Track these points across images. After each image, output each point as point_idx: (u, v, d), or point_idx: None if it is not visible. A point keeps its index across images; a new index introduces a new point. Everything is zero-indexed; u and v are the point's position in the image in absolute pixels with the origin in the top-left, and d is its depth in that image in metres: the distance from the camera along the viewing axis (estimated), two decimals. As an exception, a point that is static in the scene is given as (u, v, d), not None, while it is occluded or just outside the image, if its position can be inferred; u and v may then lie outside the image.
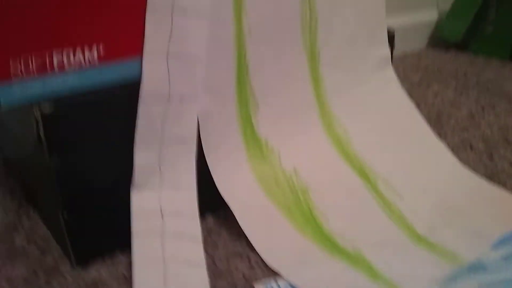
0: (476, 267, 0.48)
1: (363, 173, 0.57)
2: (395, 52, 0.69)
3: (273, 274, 0.47)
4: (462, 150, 0.70)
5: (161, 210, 0.48)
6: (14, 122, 0.51)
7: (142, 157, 0.47)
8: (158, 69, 0.46)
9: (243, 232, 0.51)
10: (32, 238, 0.52)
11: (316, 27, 0.57)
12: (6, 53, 0.40)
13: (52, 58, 0.42)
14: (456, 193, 0.56)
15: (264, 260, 0.48)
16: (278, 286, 0.46)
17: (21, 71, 0.41)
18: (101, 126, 0.45)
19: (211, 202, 0.53)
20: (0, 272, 0.48)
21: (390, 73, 0.65)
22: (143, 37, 0.46)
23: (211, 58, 0.50)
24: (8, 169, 0.64)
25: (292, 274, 0.46)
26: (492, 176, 0.63)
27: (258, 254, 0.49)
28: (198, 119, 0.50)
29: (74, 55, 0.43)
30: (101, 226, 0.48)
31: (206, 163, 0.51)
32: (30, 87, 0.42)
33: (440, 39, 1.16)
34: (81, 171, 0.45)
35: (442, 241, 0.50)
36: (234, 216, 0.52)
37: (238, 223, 0.51)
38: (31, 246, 0.51)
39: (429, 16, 1.17)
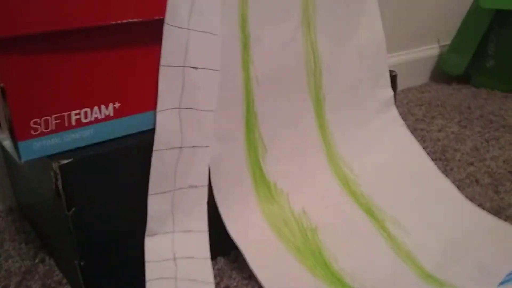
0: (486, 305, 0.49)
1: (371, 212, 0.58)
2: (398, 86, 0.71)
3: (285, 316, 0.48)
4: (468, 184, 0.71)
5: (174, 255, 0.49)
6: (32, 175, 0.53)
7: (155, 204, 0.49)
8: (171, 121, 0.48)
9: (254, 274, 0.52)
10: (48, 284, 0.54)
11: (321, 74, 0.60)
12: (27, 116, 0.43)
13: (71, 117, 0.45)
14: (463, 229, 0.57)
15: (276, 302, 0.49)
16: (290, 328, 0.46)
17: (41, 130, 0.44)
18: (116, 176, 0.47)
19: (222, 246, 0.55)
20: (18, 319, 0.49)
21: (393, 113, 0.67)
22: (157, 91, 0.48)
23: (221, 107, 0.52)
24: (24, 216, 0.66)
25: (303, 315, 0.47)
26: (499, 210, 0.64)
27: (270, 296, 0.50)
28: (209, 166, 0.52)
29: (91, 113, 0.46)
30: (116, 273, 0.49)
31: (217, 207, 0.53)
32: (49, 142, 0.44)
33: (442, 73, 1.18)
34: (97, 220, 0.47)
35: (450, 278, 0.51)
36: (244, 258, 0.53)
37: (248, 265, 0.52)
38: (48, 292, 0.53)
39: (431, 51, 1.19)
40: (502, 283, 0.51)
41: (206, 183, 0.51)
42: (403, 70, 1.11)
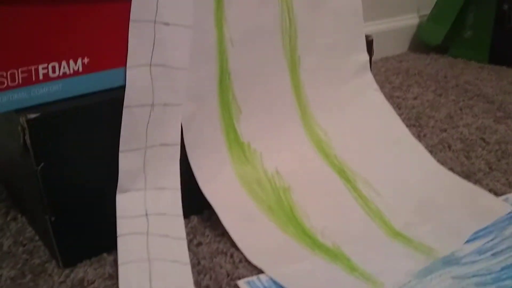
0: (451, 261, 0.50)
1: (343, 173, 0.59)
2: (377, 55, 0.71)
3: (256, 271, 0.49)
4: (440, 150, 0.72)
5: (146, 211, 0.49)
6: (0, 130, 0.52)
7: (126, 161, 0.49)
8: (141, 78, 0.48)
9: (227, 232, 0.53)
10: (19, 241, 0.54)
11: (296, 35, 0.59)
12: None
13: (38, 71, 0.44)
14: (433, 191, 0.58)
15: (247, 258, 0.50)
16: (261, 282, 0.47)
17: (7, 83, 0.43)
18: (86, 132, 0.47)
19: (195, 204, 0.55)
20: (-11, 274, 0.49)
21: (369, 77, 0.67)
22: (127, 48, 0.47)
23: (194, 66, 0.51)
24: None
25: (274, 270, 0.48)
26: (469, 174, 0.65)
27: (241, 252, 0.51)
28: (182, 124, 0.51)
29: (59, 67, 0.45)
30: (88, 229, 0.49)
31: (190, 166, 0.53)
32: (15, 96, 0.44)
33: (420, 43, 1.19)
34: (67, 176, 0.47)
35: (418, 236, 0.52)
36: (217, 216, 0.53)
37: (221, 223, 0.53)
38: (19, 249, 0.52)
39: (409, 20, 1.20)
40: (468, 241, 0.53)
41: (179, 141, 0.51)
42: (382, 39, 1.11)
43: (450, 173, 0.62)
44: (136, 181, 0.50)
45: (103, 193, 0.49)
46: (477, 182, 0.63)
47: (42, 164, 0.45)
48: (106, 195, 0.49)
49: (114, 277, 0.48)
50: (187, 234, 0.53)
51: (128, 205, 0.49)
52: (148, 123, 0.49)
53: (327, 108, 0.62)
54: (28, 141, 0.44)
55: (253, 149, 0.57)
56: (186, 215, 0.54)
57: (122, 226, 0.48)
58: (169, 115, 0.50)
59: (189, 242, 0.52)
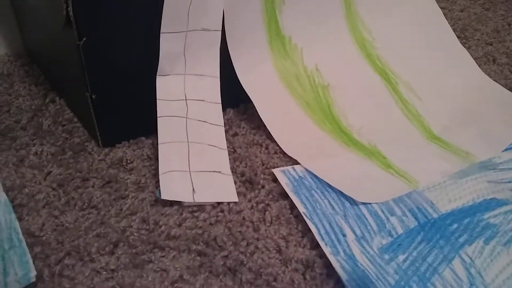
0: (487, 166, 0.50)
1: (384, 74, 0.57)
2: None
3: (291, 163, 0.49)
4: (485, 63, 0.69)
5: (185, 95, 0.49)
6: (41, 4, 0.52)
7: (167, 43, 0.48)
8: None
9: (263, 125, 0.52)
10: (59, 122, 0.54)
11: None
12: None
13: None
14: (475, 99, 0.57)
15: (283, 149, 0.50)
16: (296, 172, 0.48)
17: None
18: (129, 8, 0.45)
19: (231, 98, 0.54)
20: (28, 148, 0.50)
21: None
22: None
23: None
24: (33, 60, 0.65)
25: (309, 162, 0.48)
26: (512, 88, 0.63)
27: (277, 144, 0.51)
28: (223, 12, 0.50)
29: None
30: (127, 110, 0.50)
31: (229, 57, 0.52)
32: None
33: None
34: (109, 53, 0.46)
35: (457, 140, 0.52)
36: (254, 110, 0.53)
37: (258, 117, 0.53)
38: (58, 128, 0.53)
39: None
40: (506, 149, 0.52)
41: (220, 27, 0.50)
42: None
43: (494, 83, 0.60)
44: (176, 65, 0.49)
45: (143, 74, 0.49)
46: (520, 96, 0.61)
47: (85, 38, 0.44)
48: (146, 76, 0.49)
49: (152, 158, 0.49)
50: (224, 124, 0.53)
51: (168, 88, 0.49)
52: (190, 4, 0.47)
53: (374, 7, 0.59)
54: (71, 13, 0.43)
55: (294, 44, 0.56)
56: (223, 107, 0.54)
57: (162, 108, 0.48)
58: (211, 0, 0.48)
59: (225, 132, 0.53)
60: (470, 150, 0.51)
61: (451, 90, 0.57)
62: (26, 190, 0.46)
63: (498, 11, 0.87)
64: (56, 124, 0.54)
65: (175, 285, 0.39)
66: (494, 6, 0.89)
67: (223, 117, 0.54)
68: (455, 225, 0.43)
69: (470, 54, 0.70)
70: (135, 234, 0.42)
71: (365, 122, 0.53)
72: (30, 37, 0.63)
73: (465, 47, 0.73)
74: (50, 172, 0.48)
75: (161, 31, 0.47)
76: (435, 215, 0.44)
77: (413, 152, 0.50)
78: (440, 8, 0.87)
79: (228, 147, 0.50)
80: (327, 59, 0.56)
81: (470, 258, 0.40)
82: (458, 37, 0.75)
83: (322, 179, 0.46)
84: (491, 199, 0.46)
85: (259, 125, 0.54)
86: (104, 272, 0.39)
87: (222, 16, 0.50)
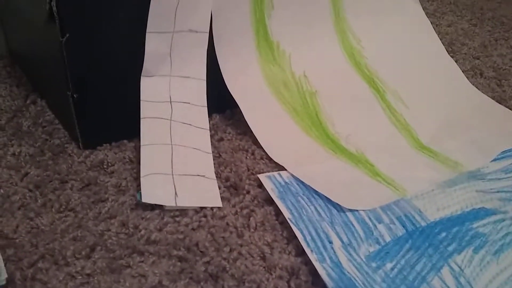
0: (476, 176, 0.49)
1: (372, 83, 0.56)
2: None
3: (277, 169, 0.48)
4: (472, 76, 0.69)
5: (170, 97, 0.48)
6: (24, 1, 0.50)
7: (153, 44, 0.47)
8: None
9: (249, 130, 0.51)
10: (39, 123, 0.53)
11: None
12: None
13: None
14: (463, 109, 0.57)
15: (269, 155, 0.49)
16: (282, 178, 0.46)
17: None
18: (115, 6, 0.44)
19: (218, 103, 0.53)
20: (6, 148, 0.49)
21: (408, -11, 0.63)
22: None
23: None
24: (15, 61, 0.64)
25: (295, 168, 0.47)
26: (500, 101, 0.63)
27: (263, 150, 0.50)
28: (212, 13, 0.49)
29: None
30: (109, 111, 0.48)
31: (216, 61, 0.51)
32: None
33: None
34: (92, 51, 0.45)
35: (445, 150, 0.51)
36: (240, 116, 0.52)
37: (244, 122, 0.52)
38: (38, 129, 0.52)
39: None
40: (495, 159, 0.52)
41: (207, 29, 0.49)
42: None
43: (482, 94, 0.60)
44: (162, 66, 0.48)
45: (127, 75, 0.47)
46: (507, 108, 0.61)
47: (67, 35, 0.43)
48: (131, 77, 0.48)
49: (134, 161, 0.48)
50: (209, 130, 0.52)
51: (152, 89, 0.47)
52: (177, 6, 0.47)
53: (363, 15, 0.59)
54: (54, 9, 0.42)
55: (282, 50, 0.55)
56: (208, 112, 0.53)
57: (146, 109, 0.46)
58: (199, 0, 0.47)
59: (211, 137, 0.51)
60: (458, 160, 0.50)
61: (439, 99, 0.57)
62: (1, 190, 0.44)
63: (485, 27, 0.88)
64: (36, 125, 0.53)
65: (154, 291, 0.37)
66: (481, 22, 0.90)
67: (209, 122, 0.53)
68: (443, 234, 0.42)
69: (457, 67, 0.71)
70: (113, 238, 0.40)
71: (352, 130, 0.52)
72: (12, 38, 0.62)
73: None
74: (27, 173, 0.46)
75: (147, 31, 0.46)
76: (423, 223, 0.43)
77: (401, 161, 0.49)
78: (428, 22, 0.87)
79: (213, 151, 0.49)
80: (315, 66, 0.56)
81: (459, 267, 0.39)
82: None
83: (308, 185, 0.45)
84: (480, 208, 0.45)
85: (245, 131, 0.53)
86: (79, 277, 0.37)
87: (210, 18, 0.49)
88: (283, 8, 0.54)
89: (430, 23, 0.63)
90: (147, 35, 0.46)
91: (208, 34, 0.49)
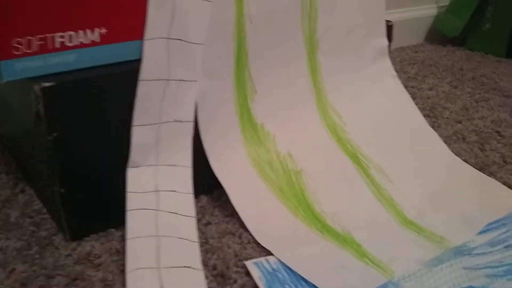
0: (462, 251, 0.49)
1: (356, 158, 0.58)
2: (393, 45, 0.70)
3: (265, 253, 0.48)
4: (454, 141, 0.71)
5: (156, 187, 0.48)
6: (13, 98, 0.52)
7: (139, 136, 0.48)
8: (158, 52, 0.47)
9: (236, 212, 0.52)
10: (27, 213, 0.53)
11: (316, 16, 0.58)
12: (8, 34, 0.41)
13: (54, 39, 0.43)
14: (447, 181, 0.57)
15: (256, 239, 0.49)
16: (269, 264, 0.47)
17: (22, 50, 0.42)
18: (100, 104, 0.46)
19: (205, 184, 0.54)
20: (-4, 243, 0.49)
21: (386, 63, 0.66)
22: (145, 21, 0.47)
23: (211, 43, 0.50)
24: (5, 147, 0.65)
25: (283, 253, 0.47)
26: (483, 167, 0.64)
27: (250, 233, 0.50)
28: (196, 102, 0.51)
29: (76, 37, 0.44)
30: (96, 203, 0.49)
31: (202, 145, 0.52)
32: (31, 63, 0.43)
33: (437, 34, 1.17)
34: (79, 148, 0.46)
35: (430, 225, 0.52)
36: (227, 197, 0.53)
37: (231, 204, 0.52)
38: (26, 220, 0.52)
39: (428, 11, 1.18)
40: (480, 232, 0.52)
41: (192, 118, 0.50)
42: (399, 28, 1.09)
43: (465, 164, 0.61)
44: (148, 157, 0.49)
45: (114, 167, 0.48)
46: (491, 174, 0.62)
47: (55, 134, 0.44)
48: (117, 169, 0.49)
49: (121, 252, 0.48)
50: (197, 213, 0.53)
51: (139, 180, 0.48)
52: (163, 98, 0.48)
53: (343, 93, 0.61)
54: (41, 110, 0.43)
55: (266, 131, 0.56)
56: (196, 194, 0.54)
57: (132, 201, 0.47)
58: (184, 91, 0.49)
59: (198, 221, 0.52)
60: (444, 235, 0.50)
61: (422, 172, 0.58)
62: (-13, 290, 0.44)
63: (466, 89, 0.90)
64: (24, 216, 0.53)
65: None
66: (462, 84, 0.92)
67: (196, 204, 0.54)
68: (432, 319, 0.42)
69: (440, 133, 0.72)
70: (100, 338, 0.40)
71: (338, 208, 0.53)
72: (2, 125, 0.63)
73: (434, 126, 0.75)
74: (14, 269, 0.46)
75: (133, 124, 0.48)
76: (412, 308, 0.43)
77: (387, 239, 0.50)
78: (409, 87, 0.90)
79: (200, 237, 0.49)
80: (299, 145, 0.57)
81: None
82: (427, 116, 0.78)
83: (296, 272, 0.45)
84: (467, 287, 0.45)
85: (232, 213, 0.53)
86: None
87: (194, 107, 0.50)
88: (266, 91, 0.56)
89: (409, 96, 0.65)
90: (133, 128, 0.48)
91: (193, 123, 0.50)
